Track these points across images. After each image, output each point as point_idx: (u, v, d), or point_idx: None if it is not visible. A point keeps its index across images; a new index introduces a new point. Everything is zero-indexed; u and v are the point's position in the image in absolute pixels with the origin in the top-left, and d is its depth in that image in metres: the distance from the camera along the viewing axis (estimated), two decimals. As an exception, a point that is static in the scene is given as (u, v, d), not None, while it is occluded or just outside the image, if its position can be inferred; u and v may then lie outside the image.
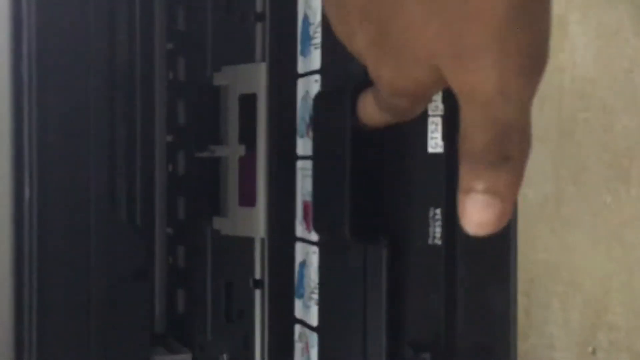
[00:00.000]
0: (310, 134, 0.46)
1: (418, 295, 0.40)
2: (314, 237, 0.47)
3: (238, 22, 0.55)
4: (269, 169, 0.52)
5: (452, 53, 0.28)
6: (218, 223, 0.58)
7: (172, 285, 0.65)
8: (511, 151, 0.29)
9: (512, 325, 0.37)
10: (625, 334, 0.87)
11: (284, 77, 0.50)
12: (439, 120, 0.39)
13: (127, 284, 0.53)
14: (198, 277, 0.61)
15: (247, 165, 0.54)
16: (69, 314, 0.52)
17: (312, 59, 0.47)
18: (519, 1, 0.26)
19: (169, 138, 0.64)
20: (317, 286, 0.47)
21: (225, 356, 0.58)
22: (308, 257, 0.48)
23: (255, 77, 0.53)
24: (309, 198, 0.47)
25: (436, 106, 0.39)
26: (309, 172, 0.47)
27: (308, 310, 0.48)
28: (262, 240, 0.54)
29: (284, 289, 0.50)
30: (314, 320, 0.47)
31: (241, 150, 0.55)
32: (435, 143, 0.39)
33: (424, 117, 0.39)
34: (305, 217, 0.48)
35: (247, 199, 0.54)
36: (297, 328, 0.49)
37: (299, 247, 0.49)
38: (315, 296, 0.47)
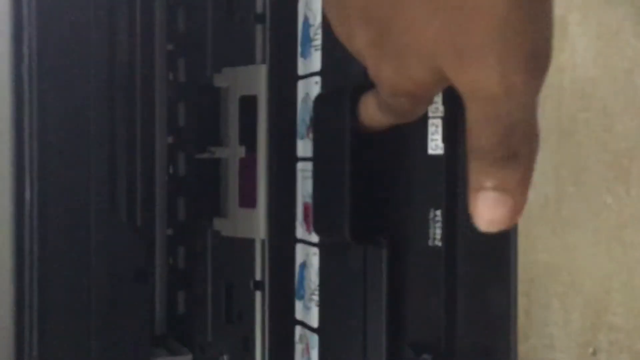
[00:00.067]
0: (311, 135, 0.46)
1: (418, 297, 0.40)
2: (314, 238, 0.47)
3: (238, 23, 0.55)
4: (269, 171, 0.53)
5: (454, 52, 0.28)
6: (218, 224, 0.58)
7: (172, 286, 0.65)
8: (518, 148, 0.29)
9: (513, 326, 0.37)
10: (626, 334, 0.87)
11: (284, 78, 0.50)
12: (439, 122, 0.39)
13: (127, 285, 0.54)
14: (198, 278, 0.61)
15: (248, 166, 0.55)
16: (69, 314, 0.52)
17: (312, 61, 0.47)
18: None
19: (170, 139, 0.64)
20: (317, 287, 0.47)
21: (225, 357, 0.58)
22: (308, 258, 0.48)
23: (255, 79, 0.53)
24: (309, 199, 0.47)
25: (436, 108, 0.38)
26: (310, 174, 0.46)
27: (308, 311, 0.48)
28: (263, 241, 0.54)
29: (284, 290, 0.50)
30: (314, 322, 0.47)
31: (241, 151, 0.55)
32: (435, 145, 0.39)
33: (424, 119, 0.39)
34: (305, 218, 0.48)
35: (248, 200, 0.54)
36: (298, 329, 0.50)
37: (299, 248, 0.49)
38: (316, 297, 0.47)
